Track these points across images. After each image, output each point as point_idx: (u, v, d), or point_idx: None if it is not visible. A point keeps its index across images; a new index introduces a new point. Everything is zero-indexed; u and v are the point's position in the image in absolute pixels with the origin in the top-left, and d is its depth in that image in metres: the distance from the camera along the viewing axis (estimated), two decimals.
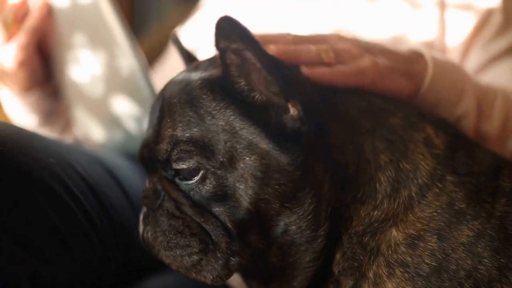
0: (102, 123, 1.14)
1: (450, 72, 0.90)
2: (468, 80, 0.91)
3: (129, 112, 1.07)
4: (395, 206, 0.73)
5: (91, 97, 1.10)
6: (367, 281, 0.72)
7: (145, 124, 0.82)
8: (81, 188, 0.86)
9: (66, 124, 1.24)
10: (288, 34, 0.81)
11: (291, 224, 0.72)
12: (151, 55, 1.20)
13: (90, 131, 1.17)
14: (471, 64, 1.10)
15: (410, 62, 0.86)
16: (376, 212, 0.73)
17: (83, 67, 1.09)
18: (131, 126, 1.09)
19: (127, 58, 1.00)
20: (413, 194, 0.73)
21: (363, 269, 0.72)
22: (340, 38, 0.83)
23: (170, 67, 1.22)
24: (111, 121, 1.11)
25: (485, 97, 0.92)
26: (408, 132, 0.77)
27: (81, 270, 0.83)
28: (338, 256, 0.74)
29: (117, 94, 1.06)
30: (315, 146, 0.73)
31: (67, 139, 1.24)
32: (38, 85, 1.16)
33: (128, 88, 1.04)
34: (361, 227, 0.73)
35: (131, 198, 0.99)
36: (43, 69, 1.16)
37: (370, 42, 0.85)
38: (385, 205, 0.73)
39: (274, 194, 0.71)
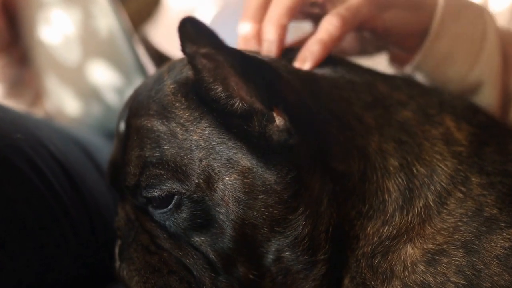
0: (77, 94, 1.10)
1: (468, 6, 0.83)
2: (490, 21, 0.83)
3: (109, 82, 1.03)
4: (409, 219, 0.67)
5: (64, 64, 1.06)
6: None
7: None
8: (52, 169, 0.82)
9: (36, 95, 1.20)
10: None
11: (284, 250, 0.66)
12: (137, 18, 1.21)
13: (63, 103, 1.13)
14: None
15: None
16: (386, 228, 0.67)
17: (55, 28, 1.04)
18: (111, 98, 1.05)
19: (106, 18, 0.97)
20: (431, 203, 0.67)
21: None
22: None
23: (161, 33, 1.20)
24: (88, 92, 1.07)
25: None
26: (422, 127, 0.70)
27: (51, 266, 0.79)
28: (346, 281, 0.68)
29: (94, 60, 1.03)
30: (309, 157, 0.67)
31: (37, 113, 1.20)
32: (3, 50, 1.13)
33: (108, 53, 1.01)
34: (369, 247, 0.67)
35: None
36: (9, 31, 1.12)
37: None
38: (397, 219, 0.67)
39: (261, 218, 0.65)
